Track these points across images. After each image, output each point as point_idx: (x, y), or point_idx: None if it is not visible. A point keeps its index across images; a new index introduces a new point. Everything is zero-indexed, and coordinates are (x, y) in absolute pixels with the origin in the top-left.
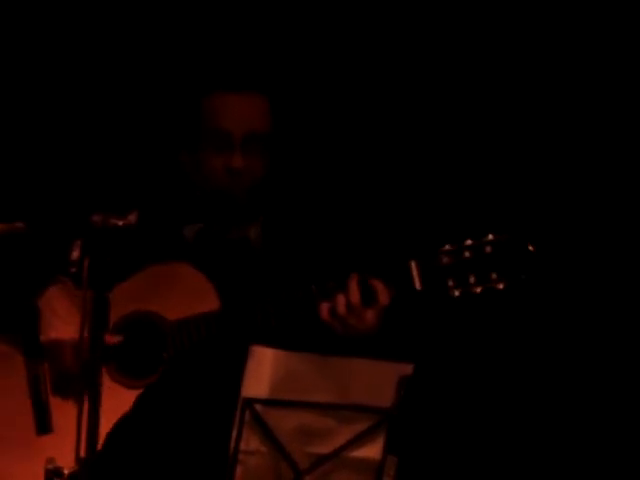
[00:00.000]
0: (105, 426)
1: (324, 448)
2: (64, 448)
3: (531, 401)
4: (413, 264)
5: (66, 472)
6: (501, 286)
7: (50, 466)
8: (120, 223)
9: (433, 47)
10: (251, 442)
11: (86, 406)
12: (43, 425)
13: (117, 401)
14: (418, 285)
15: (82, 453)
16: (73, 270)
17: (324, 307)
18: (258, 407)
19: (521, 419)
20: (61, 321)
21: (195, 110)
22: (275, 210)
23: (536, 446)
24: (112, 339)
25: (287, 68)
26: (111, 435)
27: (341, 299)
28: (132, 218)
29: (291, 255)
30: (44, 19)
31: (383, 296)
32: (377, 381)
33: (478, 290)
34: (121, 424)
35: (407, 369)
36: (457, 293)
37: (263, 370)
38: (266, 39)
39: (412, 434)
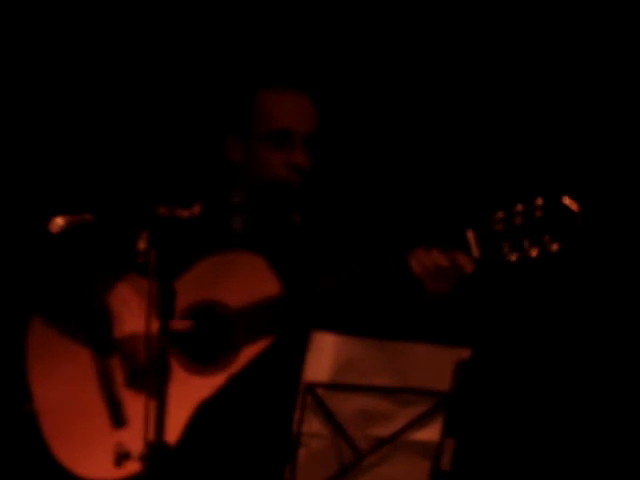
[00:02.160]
0: (177, 412)
1: (384, 431)
2: (139, 439)
3: (592, 384)
4: (470, 233)
5: (134, 455)
6: (555, 247)
7: (119, 449)
8: (185, 214)
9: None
10: (313, 425)
11: (155, 392)
12: (118, 418)
13: (187, 389)
14: (476, 253)
15: (150, 437)
16: (140, 260)
17: (420, 255)
18: (319, 391)
19: (584, 401)
20: (134, 315)
21: (248, 101)
22: (315, 194)
23: (596, 429)
24: (181, 325)
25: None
26: (192, 421)
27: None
28: (196, 210)
29: (339, 235)
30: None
31: (468, 266)
32: (435, 365)
33: (534, 253)
34: (201, 411)
35: (465, 353)
36: (514, 258)
37: (324, 355)
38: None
39: (470, 416)
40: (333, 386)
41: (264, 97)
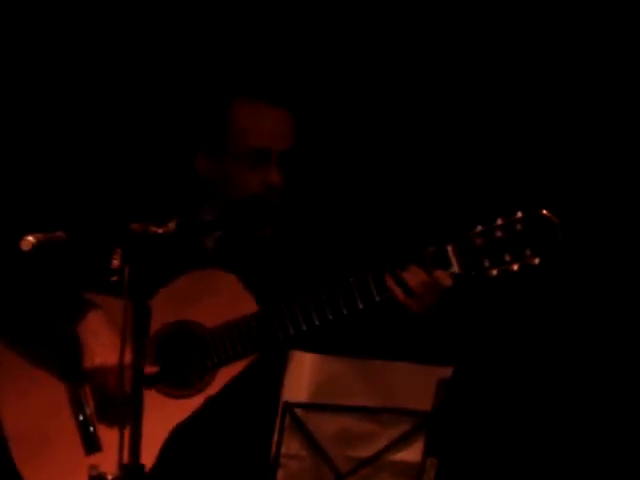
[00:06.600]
0: (152, 436)
1: (364, 451)
2: (113, 465)
3: (576, 401)
4: (449, 248)
5: (109, 478)
6: (536, 261)
7: (94, 472)
8: (160, 231)
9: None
10: (292, 446)
11: (129, 417)
12: (91, 445)
13: (162, 412)
14: (456, 268)
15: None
16: (114, 278)
17: (397, 290)
18: (298, 411)
19: (565, 418)
20: (105, 346)
21: (220, 117)
22: (286, 209)
23: (581, 447)
24: (149, 369)
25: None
26: (168, 444)
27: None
28: (171, 226)
29: (313, 252)
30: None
31: (447, 280)
32: (416, 384)
33: (515, 267)
34: (178, 434)
35: (446, 372)
36: (495, 272)
37: (302, 374)
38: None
39: (452, 436)
40: (312, 406)
41: (240, 112)
